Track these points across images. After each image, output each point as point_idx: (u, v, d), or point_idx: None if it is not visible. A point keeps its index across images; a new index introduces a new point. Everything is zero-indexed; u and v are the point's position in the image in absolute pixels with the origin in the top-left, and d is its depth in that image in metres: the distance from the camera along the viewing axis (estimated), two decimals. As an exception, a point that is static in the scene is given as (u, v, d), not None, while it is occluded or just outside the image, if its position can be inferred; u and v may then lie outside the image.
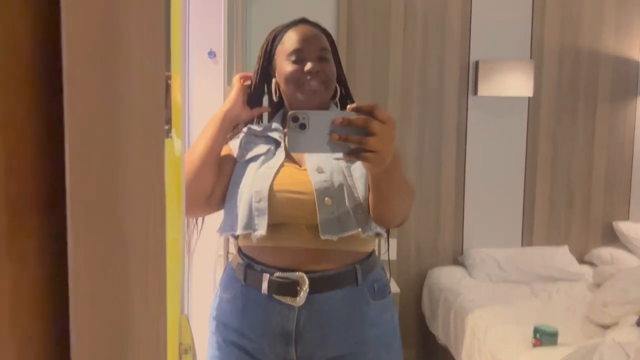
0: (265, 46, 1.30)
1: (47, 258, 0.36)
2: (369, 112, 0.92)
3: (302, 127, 0.94)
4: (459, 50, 3.24)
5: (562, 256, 3.17)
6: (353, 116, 0.92)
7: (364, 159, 0.93)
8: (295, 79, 1.21)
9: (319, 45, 1.23)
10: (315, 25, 1.29)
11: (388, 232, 1.27)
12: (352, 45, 3.12)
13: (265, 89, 1.33)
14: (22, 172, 0.33)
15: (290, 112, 0.96)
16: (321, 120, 0.94)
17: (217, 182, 1.23)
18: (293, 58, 1.22)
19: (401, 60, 3.21)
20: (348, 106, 0.96)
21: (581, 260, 3.28)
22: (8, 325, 0.32)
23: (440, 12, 3.21)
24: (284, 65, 1.23)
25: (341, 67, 1.32)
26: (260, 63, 1.30)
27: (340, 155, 0.96)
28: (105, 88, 0.30)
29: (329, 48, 1.26)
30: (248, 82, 1.30)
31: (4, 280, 0.32)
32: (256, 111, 1.32)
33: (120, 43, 0.33)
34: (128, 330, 0.34)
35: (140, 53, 0.34)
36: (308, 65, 1.20)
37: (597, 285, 2.81)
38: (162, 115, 0.38)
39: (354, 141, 0.92)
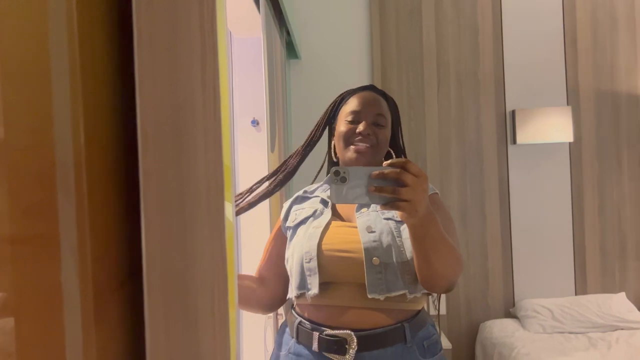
0: (331, 105, 1.41)
1: (127, 330, 0.42)
2: (402, 167, 0.99)
3: (343, 180, 1.02)
4: (494, 100, 3.28)
5: (619, 303, 3.05)
6: (388, 170, 0.99)
7: (398, 208, 0.99)
8: (347, 138, 1.30)
9: (376, 110, 1.31)
10: (381, 93, 1.38)
11: (439, 295, 1.29)
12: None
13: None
14: (105, 260, 0.39)
15: (333, 168, 1.04)
16: (360, 175, 1.02)
17: (276, 285, 1.36)
18: (349, 118, 1.31)
19: (437, 117, 3.27)
20: (384, 163, 1.02)
21: (641, 308, 3.15)
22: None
23: (473, 66, 3.29)
24: (341, 125, 1.33)
25: (400, 133, 1.39)
26: (323, 118, 1.41)
27: (391, 213, 1.02)
28: (178, 191, 0.37)
29: (387, 115, 1.33)
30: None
31: (92, 351, 0.38)
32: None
33: (188, 136, 0.40)
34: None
35: (203, 139, 0.41)
36: (360, 127, 1.28)
37: (660, 333, 2.69)
38: (222, 208, 0.44)
39: (388, 192, 0.99)
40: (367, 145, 1.28)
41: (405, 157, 1.40)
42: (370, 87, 1.38)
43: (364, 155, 1.28)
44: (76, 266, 0.35)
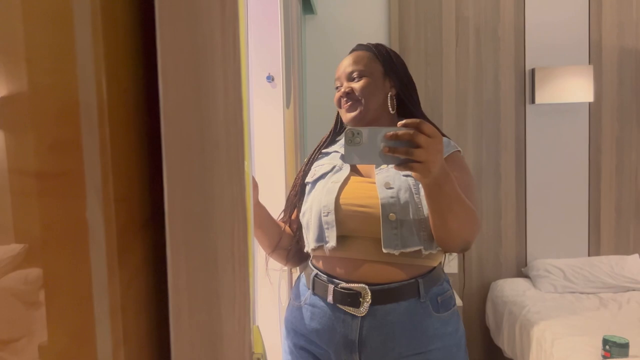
0: None
1: (150, 270, 0.43)
2: (416, 127, 0.99)
3: (357, 141, 1.02)
4: (514, 58, 3.21)
5: (632, 265, 3.05)
6: (401, 131, 0.99)
7: (411, 169, 1.01)
8: (338, 104, 1.36)
9: (350, 68, 1.34)
10: (365, 47, 1.38)
11: (460, 254, 1.33)
12: (405, 61, 3.16)
13: None
14: (127, 202, 0.40)
15: (346, 129, 1.04)
16: (373, 135, 1.02)
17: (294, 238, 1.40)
18: (336, 86, 1.37)
19: (454, 74, 3.22)
20: (398, 123, 1.02)
21: (654, 269, 3.15)
22: (120, 325, 0.39)
23: (493, 22, 3.21)
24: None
25: (398, 79, 1.36)
26: None
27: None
28: (198, 134, 0.37)
29: (363, 66, 1.33)
30: None
31: (117, 288, 0.39)
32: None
33: (210, 94, 0.40)
34: (222, 334, 0.40)
35: (225, 98, 0.41)
36: (340, 90, 1.34)
37: (672, 294, 2.70)
38: (242, 151, 0.44)
39: (402, 152, 0.99)
40: (350, 102, 1.32)
41: (412, 99, 1.39)
42: (356, 48, 1.40)
43: (353, 113, 1.32)
44: (100, 205, 0.36)
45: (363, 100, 1.30)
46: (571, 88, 3.10)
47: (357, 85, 1.32)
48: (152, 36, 0.40)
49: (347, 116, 1.33)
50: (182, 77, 0.40)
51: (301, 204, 1.37)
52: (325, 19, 3.20)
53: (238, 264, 0.42)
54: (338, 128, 1.47)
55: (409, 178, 1.23)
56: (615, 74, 3.21)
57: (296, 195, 1.40)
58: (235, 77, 0.42)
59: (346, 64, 1.36)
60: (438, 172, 1.02)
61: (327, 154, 1.41)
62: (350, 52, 1.39)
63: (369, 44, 1.40)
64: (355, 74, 1.33)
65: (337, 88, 1.37)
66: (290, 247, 1.39)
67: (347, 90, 1.32)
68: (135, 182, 0.40)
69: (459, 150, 1.33)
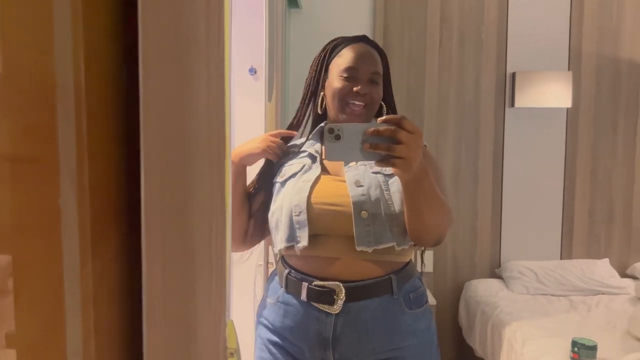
0: (322, 55, 1.35)
1: (124, 261, 0.42)
2: (397, 124, 0.99)
3: (337, 138, 1.02)
4: (495, 62, 3.24)
5: (602, 269, 3.11)
6: (382, 127, 0.99)
7: (392, 165, 1.01)
8: (342, 96, 1.26)
9: (372, 68, 1.28)
10: (374, 45, 1.34)
11: (423, 250, 1.33)
12: (388, 59, 3.16)
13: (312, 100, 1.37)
14: (103, 190, 0.39)
15: (326, 125, 1.03)
16: (354, 132, 1.01)
17: (252, 219, 1.38)
18: (345, 75, 1.27)
19: (437, 74, 3.23)
20: (378, 119, 1.02)
21: (623, 274, 3.22)
22: (92, 316, 0.38)
23: (476, 25, 3.23)
24: (335, 80, 1.28)
25: (390, 86, 1.37)
26: (315, 70, 1.35)
27: (378, 165, 1.04)
28: (178, 123, 0.36)
29: (381, 71, 1.31)
30: (278, 146, 1.36)
31: (89, 278, 0.38)
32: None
33: (191, 87, 0.39)
34: (196, 328, 0.40)
35: (206, 96, 0.41)
36: (357, 87, 1.25)
37: (640, 299, 2.76)
38: (224, 143, 0.44)
39: (383, 149, 0.99)
40: (363, 104, 1.26)
41: (395, 108, 1.39)
42: (364, 39, 1.33)
43: (360, 116, 1.27)
44: (74, 192, 0.35)
45: (371, 110, 1.28)
46: (550, 93, 3.14)
47: (376, 92, 1.28)
48: (134, 20, 0.39)
49: (347, 117, 1.27)
50: (164, 64, 0.39)
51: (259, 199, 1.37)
52: (310, 14, 3.19)
53: (215, 257, 0.42)
54: (302, 119, 1.39)
55: (378, 175, 1.23)
56: (593, 81, 3.26)
57: (257, 191, 1.39)
58: (218, 66, 0.41)
59: (370, 61, 1.29)
60: (417, 168, 1.03)
61: (297, 154, 1.37)
62: (362, 42, 1.32)
63: (376, 43, 1.35)
64: (377, 79, 1.29)
65: (346, 79, 1.27)
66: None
67: (366, 92, 1.26)
68: (111, 170, 0.39)
69: (425, 145, 1.33)
